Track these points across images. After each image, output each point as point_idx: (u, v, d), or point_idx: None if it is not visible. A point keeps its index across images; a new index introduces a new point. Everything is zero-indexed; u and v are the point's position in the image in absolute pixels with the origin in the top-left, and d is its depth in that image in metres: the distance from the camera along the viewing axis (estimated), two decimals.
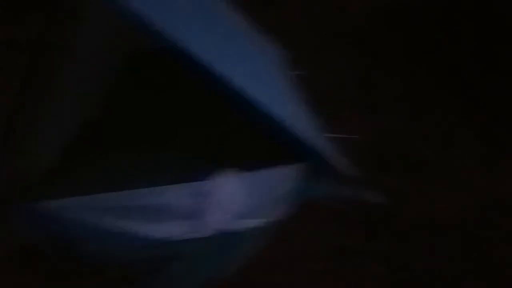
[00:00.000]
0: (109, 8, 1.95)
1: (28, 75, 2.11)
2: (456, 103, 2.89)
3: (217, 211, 2.16)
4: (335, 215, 2.16)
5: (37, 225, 2.09)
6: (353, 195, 2.16)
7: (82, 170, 2.34)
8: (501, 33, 3.32)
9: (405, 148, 2.59)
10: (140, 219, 2.15)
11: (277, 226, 2.12)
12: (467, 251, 2.20)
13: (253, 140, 2.29)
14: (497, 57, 3.19)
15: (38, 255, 2.10)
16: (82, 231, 2.09)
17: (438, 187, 2.38)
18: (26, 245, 2.12)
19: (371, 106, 3.02)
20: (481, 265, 2.15)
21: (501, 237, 2.23)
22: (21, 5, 4.11)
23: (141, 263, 2.04)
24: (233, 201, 2.17)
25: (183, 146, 2.41)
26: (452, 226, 2.25)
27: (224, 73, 1.93)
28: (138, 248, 2.08)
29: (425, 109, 2.95)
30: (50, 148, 2.27)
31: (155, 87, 3.08)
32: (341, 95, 3.14)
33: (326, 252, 2.07)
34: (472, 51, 3.30)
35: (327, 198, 2.19)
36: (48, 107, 2.22)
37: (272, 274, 1.96)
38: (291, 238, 2.11)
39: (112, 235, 2.10)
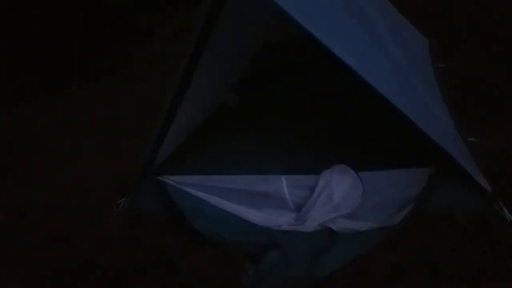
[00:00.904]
0: None
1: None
2: None
3: (326, 206, 2.06)
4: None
5: (160, 195, 2.31)
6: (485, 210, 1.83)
7: (203, 152, 2.49)
8: None
9: None
10: (251, 203, 2.18)
11: (390, 235, 1.92)
12: None
13: (380, 139, 2.11)
14: None
15: None
16: (195, 206, 2.22)
17: None
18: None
19: None
20: None
21: None
22: None
23: (245, 247, 2.04)
24: (346, 199, 2.04)
25: (304, 137, 2.35)
26: None
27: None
28: (242, 231, 2.10)
29: None
30: (181, 130, 2.42)
31: (288, 76, 3.10)
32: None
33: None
34: None
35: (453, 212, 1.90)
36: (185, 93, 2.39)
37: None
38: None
39: (220, 215, 2.18)
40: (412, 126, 1.83)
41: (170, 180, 2.29)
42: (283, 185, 2.15)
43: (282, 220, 2.11)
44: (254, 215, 2.15)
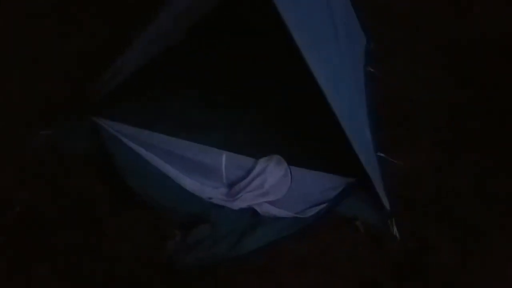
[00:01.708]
0: None
1: None
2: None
3: (257, 190, 2.28)
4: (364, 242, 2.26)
5: (91, 138, 2.24)
6: (381, 224, 2.27)
7: (144, 100, 2.44)
8: None
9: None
10: (186, 170, 2.29)
11: (302, 225, 2.25)
12: None
13: (313, 141, 2.34)
14: None
15: None
16: (129, 159, 2.23)
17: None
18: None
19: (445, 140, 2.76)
20: None
21: None
22: None
23: (176, 213, 2.16)
24: (275, 188, 2.29)
25: (253, 118, 2.46)
26: None
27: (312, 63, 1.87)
28: (176, 197, 2.21)
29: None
30: (122, 76, 2.27)
31: (245, 36, 2.89)
32: (414, 112, 2.92)
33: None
34: None
35: (355, 219, 2.31)
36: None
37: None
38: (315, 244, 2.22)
39: (155, 175, 2.24)
40: (342, 136, 2.09)
41: (106, 124, 2.22)
42: (222, 160, 2.29)
43: (213, 193, 2.28)
44: (188, 182, 2.27)
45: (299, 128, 2.40)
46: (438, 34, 3.67)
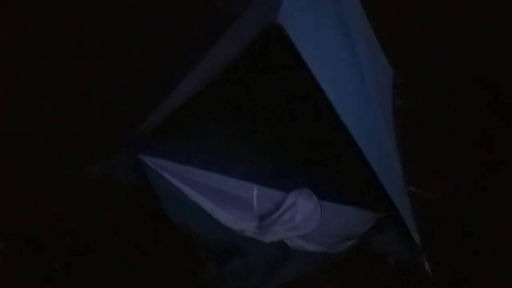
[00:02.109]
0: None
1: None
2: None
3: (287, 224, 2.34)
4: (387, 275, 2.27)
5: (136, 172, 2.38)
6: (412, 260, 2.28)
7: (184, 136, 2.57)
8: None
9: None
10: (220, 203, 2.37)
11: (333, 260, 2.28)
12: None
13: (343, 175, 2.40)
14: None
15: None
16: (169, 193, 2.35)
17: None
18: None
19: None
20: None
21: None
22: None
23: (210, 243, 2.25)
24: (305, 221, 2.34)
25: (282, 151, 2.56)
26: None
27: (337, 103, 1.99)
28: (210, 228, 2.30)
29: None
30: (164, 113, 2.42)
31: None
32: (439, 146, 2.93)
33: None
34: None
35: (387, 254, 2.32)
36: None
37: None
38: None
39: (191, 207, 2.34)
40: (371, 172, 2.14)
41: (150, 161, 2.37)
42: (254, 194, 2.37)
43: (246, 225, 2.35)
44: (222, 215, 2.36)
45: (330, 163, 2.47)
46: (460, 63, 3.71)
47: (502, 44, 3.89)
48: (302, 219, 2.33)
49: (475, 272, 2.27)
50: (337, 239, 2.33)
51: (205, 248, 2.24)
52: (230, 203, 2.37)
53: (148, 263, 2.14)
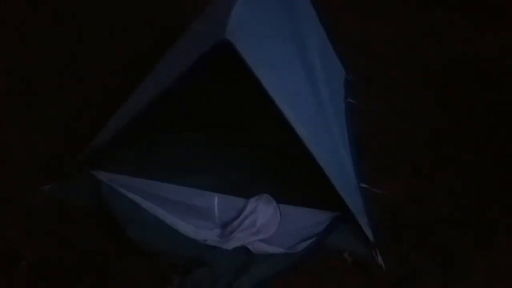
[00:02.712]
0: None
1: None
2: None
3: (249, 229, 2.42)
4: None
5: (91, 190, 2.39)
6: (367, 255, 2.42)
7: (138, 149, 2.61)
8: None
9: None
10: (181, 214, 2.42)
11: (293, 260, 2.38)
12: None
13: (298, 179, 2.51)
14: None
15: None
16: (127, 209, 2.37)
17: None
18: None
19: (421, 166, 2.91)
20: None
21: None
22: None
23: (173, 258, 2.27)
24: (266, 226, 2.43)
25: (240, 161, 2.62)
26: None
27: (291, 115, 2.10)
28: (172, 242, 2.33)
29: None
30: (115, 128, 2.43)
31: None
32: (393, 145, 3.06)
33: None
34: None
35: (343, 251, 2.46)
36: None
37: None
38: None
39: (152, 222, 2.37)
40: (323, 176, 2.26)
41: (105, 177, 2.38)
42: (215, 203, 2.44)
43: (208, 235, 2.41)
44: (183, 226, 2.40)
45: (285, 168, 2.58)
46: (413, 63, 3.90)
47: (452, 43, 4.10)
48: (262, 223, 2.42)
49: (425, 265, 2.42)
50: (296, 239, 2.43)
51: (168, 262, 2.25)
52: (191, 213, 2.42)
53: (111, 284, 2.14)
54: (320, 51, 3.08)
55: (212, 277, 2.20)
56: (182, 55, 2.42)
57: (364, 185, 2.74)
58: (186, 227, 2.39)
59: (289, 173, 2.56)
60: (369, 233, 2.43)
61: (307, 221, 2.47)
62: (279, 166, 2.61)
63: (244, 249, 2.38)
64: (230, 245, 2.36)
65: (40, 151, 2.63)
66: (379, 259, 2.39)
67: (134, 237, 2.24)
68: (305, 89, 2.58)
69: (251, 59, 2.02)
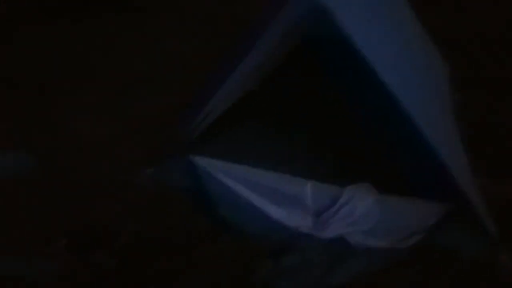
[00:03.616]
0: None
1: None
2: None
3: (346, 219, 2.21)
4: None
5: (188, 175, 2.39)
6: (488, 253, 2.06)
7: (234, 135, 2.59)
8: None
9: None
10: (273, 200, 2.29)
11: (397, 256, 2.11)
12: None
13: (404, 165, 2.27)
14: None
15: None
16: (221, 192, 2.31)
17: None
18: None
19: None
20: None
21: None
22: None
23: (266, 241, 2.17)
24: (364, 216, 2.21)
25: (336, 147, 2.47)
26: None
27: (394, 88, 1.91)
28: (265, 225, 2.22)
29: None
30: (212, 114, 2.51)
31: (316, 79, 3.03)
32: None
33: None
34: None
35: (459, 249, 2.12)
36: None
37: None
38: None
39: (245, 205, 2.28)
40: (438, 159, 1.99)
41: (202, 162, 2.38)
42: (308, 190, 2.28)
43: (301, 222, 2.25)
44: (275, 212, 2.28)
45: (390, 154, 2.34)
46: None
47: None
48: (361, 214, 2.19)
49: None
50: (402, 234, 2.16)
51: (260, 245, 2.15)
52: (284, 200, 2.28)
53: (204, 262, 2.10)
54: (421, 43, 2.88)
55: (305, 264, 2.02)
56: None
57: (483, 182, 2.39)
58: (278, 212, 2.25)
59: (396, 157, 2.31)
60: (491, 228, 2.08)
61: (415, 213, 2.19)
62: (384, 148, 2.39)
63: (341, 240, 2.17)
64: (326, 234, 2.17)
65: (142, 136, 2.72)
66: (504, 257, 2.01)
67: (227, 216, 2.20)
68: (411, 72, 2.36)
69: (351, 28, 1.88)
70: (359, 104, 2.61)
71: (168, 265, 2.08)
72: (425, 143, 1.98)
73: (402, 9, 2.96)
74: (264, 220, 2.22)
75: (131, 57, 3.51)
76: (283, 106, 2.82)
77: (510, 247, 2.04)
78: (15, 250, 2.11)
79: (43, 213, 2.28)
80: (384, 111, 2.08)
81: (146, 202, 2.33)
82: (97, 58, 3.50)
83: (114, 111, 2.95)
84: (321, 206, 2.26)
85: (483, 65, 3.42)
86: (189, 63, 3.29)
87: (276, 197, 2.30)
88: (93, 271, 2.02)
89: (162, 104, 2.93)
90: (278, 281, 2.00)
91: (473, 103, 2.97)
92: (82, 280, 1.99)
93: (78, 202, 2.33)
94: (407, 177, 2.24)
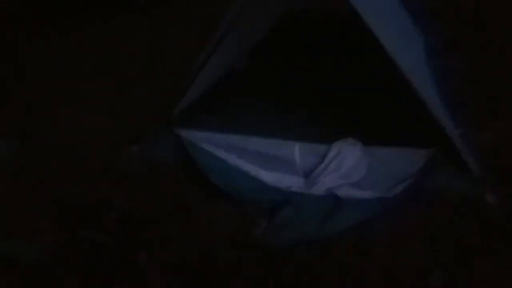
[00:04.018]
0: None
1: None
2: None
3: (335, 173, 2.25)
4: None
5: (176, 147, 2.41)
6: (474, 192, 2.11)
7: (218, 109, 2.64)
8: None
9: None
10: (262, 164, 2.33)
11: (388, 205, 2.14)
12: None
13: (388, 117, 2.31)
14: None
15: None
16: (210, 162, 2.34)
17: None
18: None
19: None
20: None
21: None
22: None
23: (259, 202, 2.18)
24: (352, 169, 2.25)
25: (318, 107, 2.52)
26: None
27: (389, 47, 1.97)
28: (257, 188, 2.25)
29: None
30: (198, 90, 2.53)
31: (303, 48, 3.19)
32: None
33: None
34: None
35: (446, 191, 2.17)
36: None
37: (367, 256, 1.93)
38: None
39: (234, 172, 2.31)
40: (422, 104, 2.06)
41: (187, 134, 2.40)
42: (296, 151, 2.31)
43: (292, 182, 2.27)
44: (265, 176, 2.30)
45: (374, 104, 2.39)
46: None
47: None
48: (349, 167, 2.24)
49: None
50: (390, 182, 2.20)
51: (253, 207, 2.16)
52: (273, 164, 2.32)
53: (199, 226, 2.11)
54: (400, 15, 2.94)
55: (299, 217, 2.05)
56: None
57: (465, 129, 2.44)
58: (268, 175, 2.28)
59: (379, 109, 2.36)
60: (476, 169, 2.13)
61: (401, 161, 2.24)
62: (367, 102, 2.44)
63: (332, 195, 2.20)
64: (317, 190, 2.21)
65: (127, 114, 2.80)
66: (489, 195, 2.07)
67: (219, 184, 2.20)
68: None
69: None
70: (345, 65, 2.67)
71: (161, 233, 2.08)
72: (414, 91, 2.04)
73: None
74: (256, 185, 2.25)
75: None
76: (269, 80, 2.88)
77: (493, 187, 2.09)
78: (6, 230, 2.12)
79: (33, 192, 2.29)
80: (373, 65, 2.11)
81: (135, 177, 2.34)
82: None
83: (109, 103, 3.00)
84: (310, 165, 2.30)
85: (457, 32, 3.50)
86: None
87: (265, 161, 2.33)
88: (86, 246, 2.02)
89: (156, 96, 2.97)
90: (272, 239, 2.00)
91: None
92: (75, 256, 1.99)
93: (67, 185, 2.33)
94: (391, 126, 2.28)
